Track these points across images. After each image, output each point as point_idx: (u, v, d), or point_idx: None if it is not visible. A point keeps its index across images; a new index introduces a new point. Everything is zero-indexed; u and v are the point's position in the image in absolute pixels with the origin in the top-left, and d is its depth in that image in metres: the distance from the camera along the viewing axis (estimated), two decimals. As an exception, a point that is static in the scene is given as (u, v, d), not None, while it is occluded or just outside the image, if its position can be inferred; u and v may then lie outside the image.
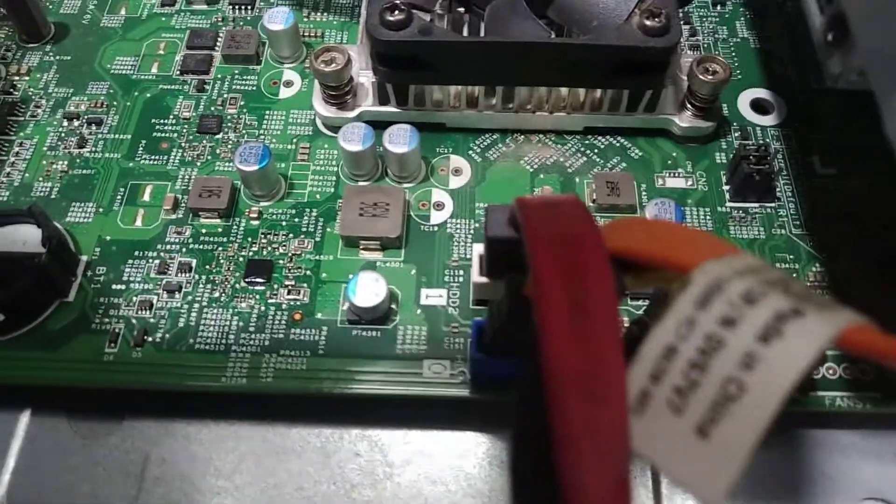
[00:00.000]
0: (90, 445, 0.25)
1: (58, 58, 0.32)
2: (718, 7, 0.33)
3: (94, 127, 0.29)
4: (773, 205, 0.27)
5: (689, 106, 0.28)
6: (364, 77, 0.28)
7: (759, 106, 0.30)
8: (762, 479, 0.24)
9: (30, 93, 0.30)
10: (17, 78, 0.31)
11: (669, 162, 0.28)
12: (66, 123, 0.29)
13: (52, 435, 0.25)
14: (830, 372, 0.24)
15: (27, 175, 0.28)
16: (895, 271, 0.25)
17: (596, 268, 0.15)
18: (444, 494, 0.23)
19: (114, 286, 0.25)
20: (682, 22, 0.29)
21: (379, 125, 0.28)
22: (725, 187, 0.28)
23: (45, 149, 0.29)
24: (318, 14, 0.33)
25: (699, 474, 0.12)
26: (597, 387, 0.13)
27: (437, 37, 0.25)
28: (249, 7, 0.33)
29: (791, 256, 0.26)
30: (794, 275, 0.26)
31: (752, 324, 0.12)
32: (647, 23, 0.25)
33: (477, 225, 0.27)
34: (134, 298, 0.25)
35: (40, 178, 0.28)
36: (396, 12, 0.25)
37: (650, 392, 0.13)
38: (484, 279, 0.23)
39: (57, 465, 0.24)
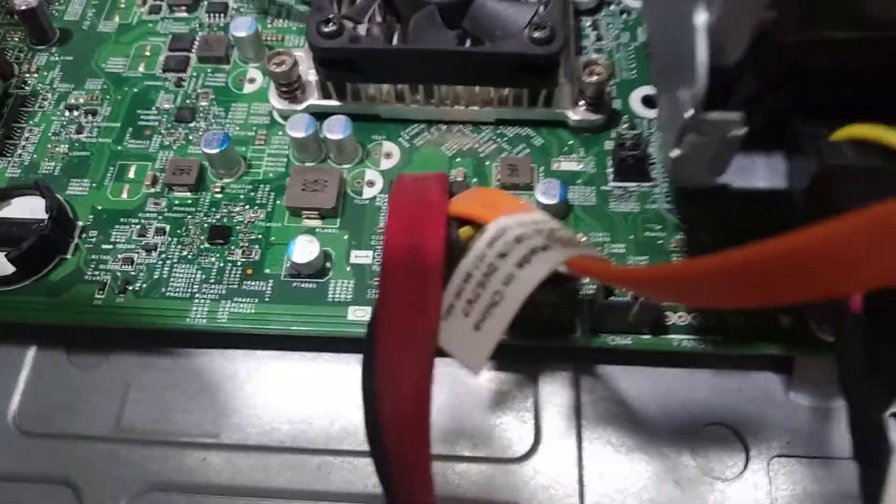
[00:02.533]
0: (83, 374, 0.31)
1: (62, 58, 0.37)
2: (625, 15, 0.38)
3: (90, 116, 0.35)
4: (649, 184, 0.33)
5: (580, 102, 0.33)
6: (311, 76, 0.34)
7: (649, 100, 0.35)
8: (622, 407, 0.29)
9: (38, 88, 0.36)
10: (27, 75, 0.37)
11: (566, 148, 0.34)
12: (67, 113, 0.35)
13: (53, 365, 0.31)
14: (681, 319, 0.29)
15: (35, 156, 0.34)
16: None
17: (432, 224, 0.20)
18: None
19: (103, 246, 0.31)
20: (570, 31, 0.35)
21: (324, 116, 0.33)
22: (610, 169, 0.33)
23: (50, 134, 0.35)
24: (280, 20, 0.38)
25: (471, 353, 0.18)
26: (419, 302, 0.19)
27: (363, 45, 0.31)
28: (223, 14, 0.39)
29: (659, 227, 0.32)
30: (661, 241, 0.31)
31: (515, 255, 0.18)
32: (535, 34, 0.30)
33: (400, 199, 0.32)
34: (119, 256, 0.31)
35: (46, 159, 0.34)
36: (330, 24, 0.31)
37: (454, 304, 0.19)
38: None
39: (57, 390, 0.30)
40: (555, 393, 0.29)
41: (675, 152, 0.19)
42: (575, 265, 0.18)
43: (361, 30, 0.33)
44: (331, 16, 0.31)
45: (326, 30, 0.31)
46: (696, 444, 0.28)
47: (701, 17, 0.18)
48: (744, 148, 0.21)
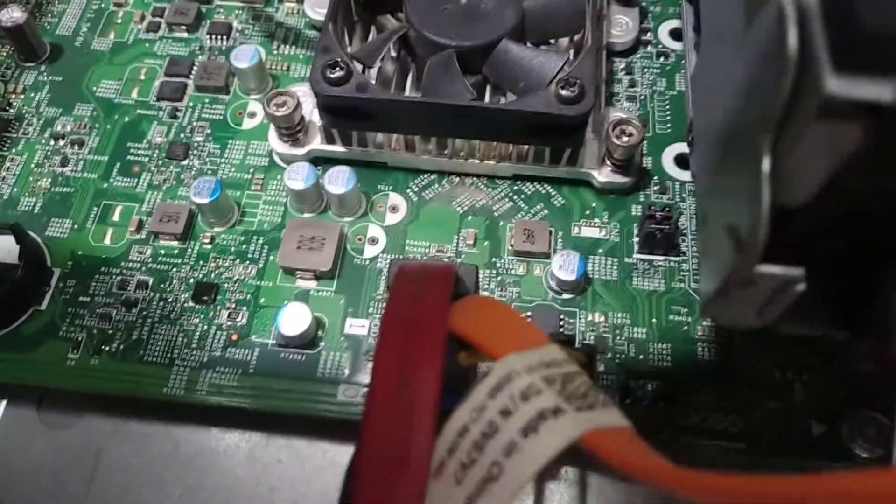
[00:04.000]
0: (54, 435, 0.29)
1: (50, 78, 0.35)
2: (662, 59, 0.35)
3: (76, 147, 0.33)
4: (677, 259, 0.30)
5: (608, 162, 0.30)
6: (315, 116, 0.31)
7: (682, 161, 0.32)
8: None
9: (24, 111, 0.34)
10: (13, 96, 0.34)
11: (588, 212, 0.31)
12: (52, 143, 0.33)
13: (23, 423, 0.29)
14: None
15: (15, 190, 0.32)
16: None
17: (428, 353, 0.18)
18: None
19: (80, 298, 0.29)
20: (606, 80, 0.32)
21: (327, 162, 0.31)
22: (636, 239, 0.30)
23: (32, 166, 0.32)
24: (286, 47, 0.35)
25: (461, 536, 0.15)
26: (404, 452, 0.16)
27: (372, 94, 0.28)
28: (225, 37, 0.36)
29: (686, 310, 0.29)
30: (686, 328, 0.28)
31: (520, 418, 0.15)
32: (563, 92, 0.27)
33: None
34: (97, 310, 0.29)
35: (26, 194, 0.32)
36: (337, 69, 0.28)
37: (445, 462, 0.16)
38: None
39: (26, 448, 0.28)
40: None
41: (713, 295, 0.16)
42: (591, 444, 0.15)
43: (372, 73, 0.30)
44: (338, 59, 0.28)
45: (333, 75, 0.28)
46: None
47: (767, 159, 0.14)
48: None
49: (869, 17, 0.13)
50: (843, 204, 0.16)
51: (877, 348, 0.16)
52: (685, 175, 0.32)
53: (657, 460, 0.15)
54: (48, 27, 0.36)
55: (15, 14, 0.33)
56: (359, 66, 0.30)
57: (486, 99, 0.31)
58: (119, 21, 0.37)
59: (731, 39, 0.17)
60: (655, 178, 0.32)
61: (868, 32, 0.13)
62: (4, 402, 0.29)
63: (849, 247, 0.17)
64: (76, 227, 0.31)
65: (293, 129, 0.31)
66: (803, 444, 0.26)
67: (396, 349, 0.18)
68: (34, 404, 0.29)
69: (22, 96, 0.34)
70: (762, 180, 0.14)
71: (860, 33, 0.13)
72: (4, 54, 0.36)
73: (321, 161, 0.31)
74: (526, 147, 0.30)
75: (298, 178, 0.30)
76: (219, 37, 0.36)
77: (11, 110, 0.34)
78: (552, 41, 0.33)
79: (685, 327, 0.28)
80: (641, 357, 0.28)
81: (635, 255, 0.30)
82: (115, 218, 0.31)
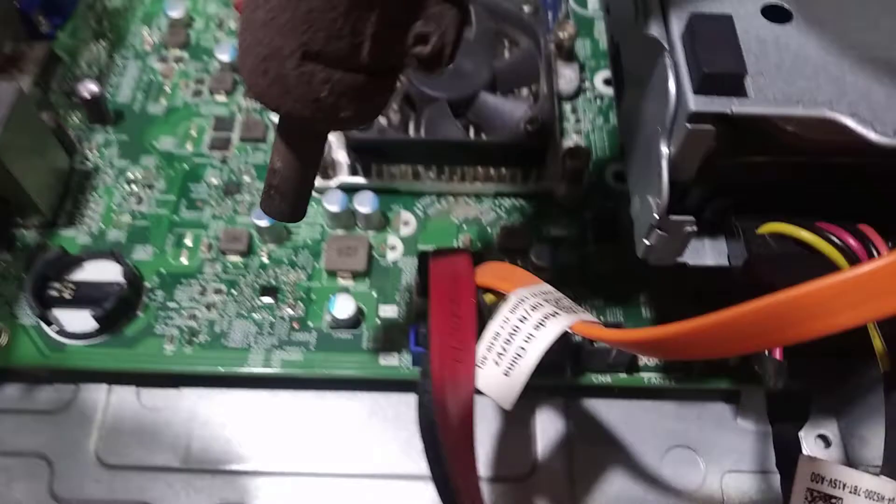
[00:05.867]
0: (152, 412, 0.36)
1: (117, 137, 0.43)
2: (598, 101, 0.46)
3: (148, 190, 0.41)
4: (621, 248, 0.40)
5: (564, 178, 0.40)
6: (340, 155, 0.41)
7: (619, 176, 0.42)
8: (605, 433, 0.36)
9: (99, 164, 0.42)
10: (88, 152, 0.43)
11: (553, 216, 0.41)
12: (126, 187, 0.41)
13: (125, 405, 0.36)
14: (650, 360, 0.36)
15: (102, 225, 0.40)
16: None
17: (466, 294, 0.27)
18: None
19: (169, 304, 0.37)
20: (558, 118, 0.42)
21: (352, 189, 0.40)
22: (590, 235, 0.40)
23: (113, 205, 0.41)
24: (308, 106, 0.45)
25: (504, 395, 0.24)
26: (459, 355, 0.25)
27: (389, 137, 0.38)
28: (257, 99, 0.45)
29: (631, 283, 0.39)
30: (632, 296, 0.38)
31: (533, 321, 0.25)
32: (528, 128, 0.38)
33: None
34: (183, 312, 0.37)
35: (112, 227, 0.40)
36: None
37: (486, 356, 0.25)
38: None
39: (131, 426, 0.36)
40: (549, 422, 0.36)
41: (645, 242, 0.26)
42: (578, 329, 0.24)
43: (383, 120, 0.40)
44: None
45: (359, 124, 0.37)
46: (664, 463, 0.35)
47: (663, 148, 0.25)
48: (698, 235, 0.28)
49: (708, 67, 0.23)
50: (715, 179, 0.26)
51: (743, 270, 0.26)
52: (622, 186, 0.42)
53: (613, 332, 0.24)
54: (109, 97, 0.45)
55: (92, 87, 0.42)
56: (375, 116, 0.39)
57: (472, 136, 0.41)
58: (168, 91, 0.45)
59: (641, 83, 0.28)
60: (601, 189, 0.42)
61: (710, 74, 0.23)
62: (111, 390, 0.37)
63: (724, 207, 0.27)
64: (157, 251, 0.39)
65: (324, 166, 0.40)
66: (724, 372, 0.36)
67: (443, 293, 0.27)
68: (133, 389, 0.37)
69: (96, 152, 0.43)
70: (662, 165, 0.24)
71: (706, 75, 0.23)
72: (76, 119, 0.44)
73: (348, 190, 0.40)
74: (503, 170, 0.40)
75: (335, 202, 0.39)
76: (252, 99, 0.45)
77: (89, 163, 0.42)
78: (516, 90, 0.43)
79: (632, 296, 0.38)
80: (601, 318, 0.37)
81: (590, 247, 0.40)
82: (188, 242, 0.39)
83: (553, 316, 0.24)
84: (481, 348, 0.25)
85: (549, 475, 0.35)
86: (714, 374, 0.36)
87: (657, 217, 0.25)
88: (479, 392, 0.25)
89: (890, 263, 0.20)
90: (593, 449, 0.35)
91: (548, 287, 0.27)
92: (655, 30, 0.25)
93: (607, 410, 0.36)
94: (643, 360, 0.36)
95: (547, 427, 0.36)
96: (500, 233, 0.40)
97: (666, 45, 0.25)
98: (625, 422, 0.36)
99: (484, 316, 0.27)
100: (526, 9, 0.44)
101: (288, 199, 0.25)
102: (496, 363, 0.25)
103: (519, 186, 0.41)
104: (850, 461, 0.34)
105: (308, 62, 0.21)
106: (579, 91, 0.46)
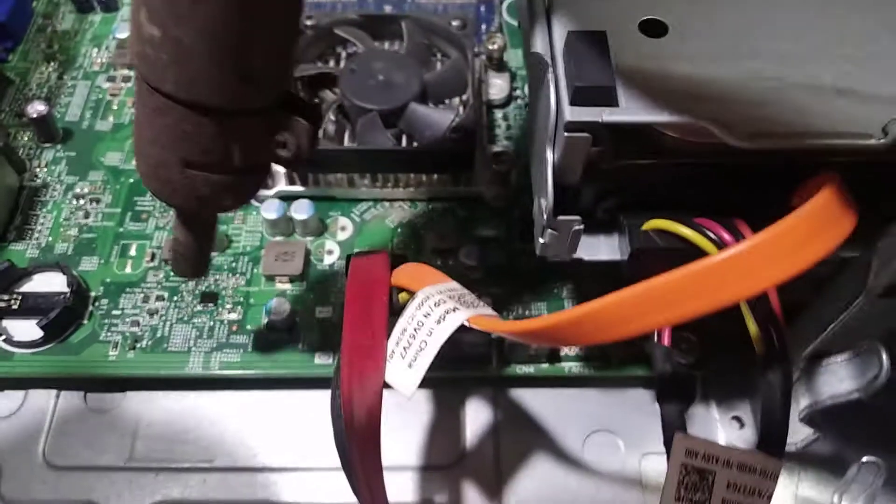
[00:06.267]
0: (100, 416, 0.38)
1: (66, 154, 0.45)
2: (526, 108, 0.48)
3: (94, 203, 0.43)
4: (548, 245, 0.42)
5: (493, 182, 0.43)
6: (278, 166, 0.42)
7: (548, 178, 0.45)
8: (530, 421, 0.38)
9: (48, 180, 0.44)
10: (38, 169, 0.44)
11: (483, 218, 0.43)
12: (74, 202, 0.43)
13: (73, 409, 0.38)
14: (571, 350, 0.38)
15: (50, 239, 0.41)
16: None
17: (379, 293, 0.29)
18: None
19: (113, 312, 0.39)
20: (488, 125, 0.44)
21: (291, 198, 0.42)
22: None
23: (61, 220, 0.42)
24: (250, 119, 0.47)
25: (406, 384, 0.26)
26: (369, 352, 0.27)
27: (323, 146, 0.40)
28: (201, 114, 0.47)
29: (554, 279, 0.41)
30: (556, 290, 0.40)
31: (435, 315, 0.27)
32: (454, 135, 0.40)
33: (354, 264, 0.41)
34: (127, 319, 0.39)
35: (60, 241, 0.41)
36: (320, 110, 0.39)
37: (394, 350, 0.27)
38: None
39: (78, 429, 0.37)
40: (477, 411, 0.38)
41: (541, 240, 0.29)
42: (474, 322, 0.26)
43: (320, 132, 0.42)
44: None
45: (292, 136, 0.39)
46: (587, 447, 0.37)
47: (549, 155, 0.27)
48: (592, 232, 0.30)
49: (580, 80, 0.25)
50: (604, 180, 0.28)
51: (629, 263, 0.28)
52: (550, 188, 0.44)
53: (507, 323, 0.26)
54: (58, 115, 0.47)
55: (39, 107, 0.44)
56: (310, 128, 0.41)
57: (403, 145, 0.43)
58: (115, 107, 0.47)
59: (535, 96, 0.30)
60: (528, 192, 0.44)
61: (581, 87, 0.25)
62: (58, 396, 0.38)
63: (613, 206, 0.29)
64: (102, 261, 0.41)
65: (263, 177, 0.42)
66: (641, 360, 0.38)
67: (359, 293, 0.29)
68: (81, 393, 0.38)
69: (45, 169, 0.44)
70: (548, 170, 0.27)
71: (578, 88, 0.25)
72: (27, 138, 0.46)
73: (286, 198, 0.42)
74: (435, 175, 0.42)
75: (272, 210, 0.41)
76: (196, 114, 0.47)
77: (38, 180, 0.44)
78: (448, 101, 0.45)
79: (556, 290, 0.40)
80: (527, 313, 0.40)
81: (517, 243, 0.42)
82: (133, 253, 0.41)
83: (453, 311, 0.27)
84: (391, 343, 0.27)
85: (477, 462, 0.37)
86: (632, 362, 0.38)
87: (545, 217, 0.27)
88: (387, 386, 0.27)
89: (746, 249, 0.22)
90: (519, 436, 0.37)
91: (455, 284, 0.29)
92: (540, 47, 0.27)
93: (532, 398, 0.38)
94: (564, 350, 0.38)
95: (475, 416, 0.38)
96: (432, 235, 0.42)
97: (549, 62, 0.27)
98: (548, 409, 0.38)
99: (397, 315, 0.29)
100: (455, 23, 0.46)
101: (190, 262, 0.31)
102: (402, 356, 0.27)
103: (450, 190, 0.43)
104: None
105: (189, 170, 0.25)
106: (510, 99, 0.48)
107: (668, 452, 0.27)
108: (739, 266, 0.23)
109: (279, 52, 0.24)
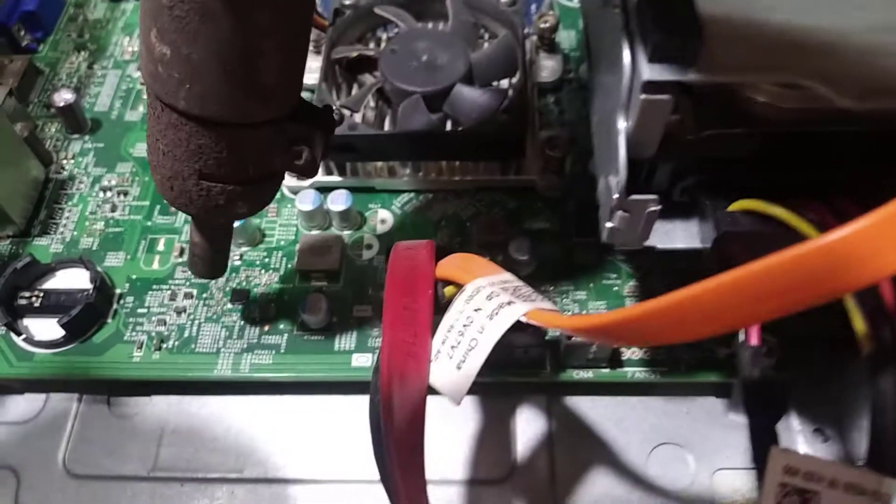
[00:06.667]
0: (123, 422, 0.35)
1: (94, 145, 0.43)
2: (584, 91, 0.44)
3: (122, 196, 0.41)
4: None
5: (546, 170, 0.39)
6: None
7: (604, 166, 0.41)
8: (588, 431, 0.34)
9: (75, 172, 0.42)
10: (65, 161, 0.42)
11: (534, 209, 0.39)
12: (101, 194, 0.41)
13: (95, 414, 0.36)
14: (634, 353, 0.34)
15: (75, 233, 0.39)
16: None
17: (423, 287, 0.26)
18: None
19: (139, 310, 0.36)
20: (539, 109, 0.41)
21: (327, 189, 0.39)
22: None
23: (87, 213, 0.40)
24: (285, 107, 0.44)
25: (454, 389, 0.23)
26: (412, 350, 0.24)
27: (360, 131, 0.37)
28: (234, 103, 0.44)
29: (615, 275, 0.37)
30: (616, 288, 0.36)
31: (487, 310, 0.23)
32: (504, 117, 0.36)
33: (394, 259, 0.38)
34: (153, 318, 0.36)
35: (85, 235, 0.39)
36: (334, 113, 0.37)
37: (440, 349, 0.24)
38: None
39: (100, 436, 0.35)
40: (530, 421, 0.34)
41: (608, 224, 0.25)
42: (532, 317, 0.23)
43: (357, 117, 0.39)
44: (333, 106, 0.37)
45: (329, 119, 0.36)
46: (651, 462, 0.33)
47: (621, 124, 0.23)
48: (667, 217, 0.26)
49: (661, 33, 0.21)
50: (682, 155, 0.25)
51: (713, 249, 0.24)
52: (607, 177, 0.40)
53: (572, 318, 0.23)
54: (87, 105, 0.45)
55: (66, 95, 0.42)
56: (347, 113, 0.38)
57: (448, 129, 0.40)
58: (145, 97, 0.45)
59: (602, 62, 0.26)
60: (585, 181, 0.40)
61: (663, 40, 0.21)
62: (76, 397, 0.36)
63: (693, 185, 0.25)
64: (129, 257, 0.38)
65: (298, 166, 0.39)
66: (713, 365, 0.34)
67: (400, 285, 0.26)
68: (104, 397, 0.36)
69: (72, 161, 0.42)
70: (620, 140, 0.23)
71: (660, 42, 0.21)
72: (54, 129, 0.44)
73: (323, 190, 0.39)
74: (482, 163, 0.39)
75: (307, 201, 0.38)
76: (229, 103, 0.44)
77: (65, 172, 0.42)
78: (494, 83, 0.42)
79: (616, 287, 0.36)
80: (584, 312, 0.36)
81: (574, 238, 0.38)
82: (160, 248, 0.39)
83: (508, 305, 0.23)
84: (436, 342, 0.24)
85: (529, 477, 0.33)
86: (703, 367, 0.34)
87: (616, 196, 0.23)
88: (431, 389, 0.24)
89: (864, 227, 0.18)
90: (576, 448, 0.34)
91: (508, 276, 0.25)
92: (613, -1, 0.24)
93: (591, 407, 0.35)
94: (626, 353, 0.34)
95: (527, 426, 0.34)
96: (479, 228, 0.38)
97: (621, 12, 0.23)
98: (609, 419, 0.34)
99: (442, 310, 0.25)
100: (504, 0, 0.43)
101: (207, 264, 0.31)
102: (449, 356, 0.23)
103: (499, 179, 0.39)
104: (849, 456, 0.32)
105: (204, 181, 0.26)
106: (563, 82, 0.44)
107: (758, 469, 0.23)
108: (854, 249, 0.19)
109: (289, 67, 0.24)
